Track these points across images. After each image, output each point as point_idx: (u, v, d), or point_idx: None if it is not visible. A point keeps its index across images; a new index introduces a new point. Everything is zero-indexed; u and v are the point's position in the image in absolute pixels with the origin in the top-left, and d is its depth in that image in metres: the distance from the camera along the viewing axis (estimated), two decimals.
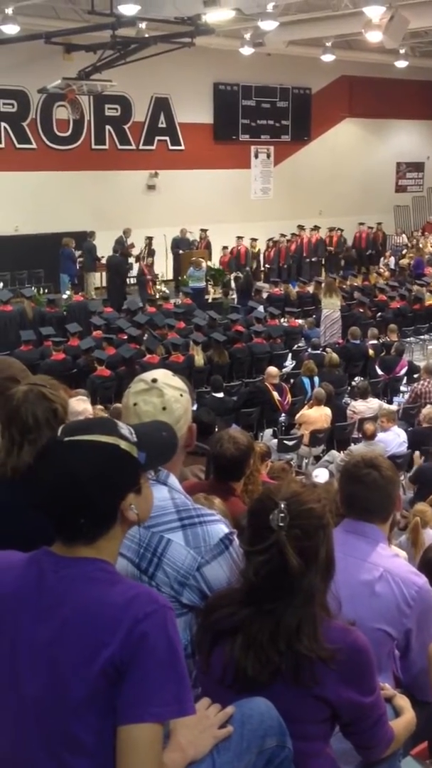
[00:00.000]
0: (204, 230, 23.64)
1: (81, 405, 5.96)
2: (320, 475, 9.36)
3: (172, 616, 1.78)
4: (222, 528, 2.36)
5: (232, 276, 22.48)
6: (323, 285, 18.79)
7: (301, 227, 25.68)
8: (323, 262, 25.80)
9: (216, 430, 6.05)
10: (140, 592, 1.79)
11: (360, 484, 2.90)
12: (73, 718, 1.72)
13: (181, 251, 22.82)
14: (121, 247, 21.09)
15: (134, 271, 21.81)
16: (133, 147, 24.28)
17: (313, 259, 25.58)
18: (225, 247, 23.82)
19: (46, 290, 19.69)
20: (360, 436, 11.07)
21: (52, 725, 1.74)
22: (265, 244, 24.97)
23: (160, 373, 2.48)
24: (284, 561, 2.10)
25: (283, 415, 12.76)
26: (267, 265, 24.78)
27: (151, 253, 22.60)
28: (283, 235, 25.05)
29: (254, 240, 24.43)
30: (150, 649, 1.72)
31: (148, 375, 2.47)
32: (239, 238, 23.94)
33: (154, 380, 2.42)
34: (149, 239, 22.28)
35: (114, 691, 1.72)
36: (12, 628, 1.80)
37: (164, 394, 2.40)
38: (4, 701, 1.80)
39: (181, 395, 2.43)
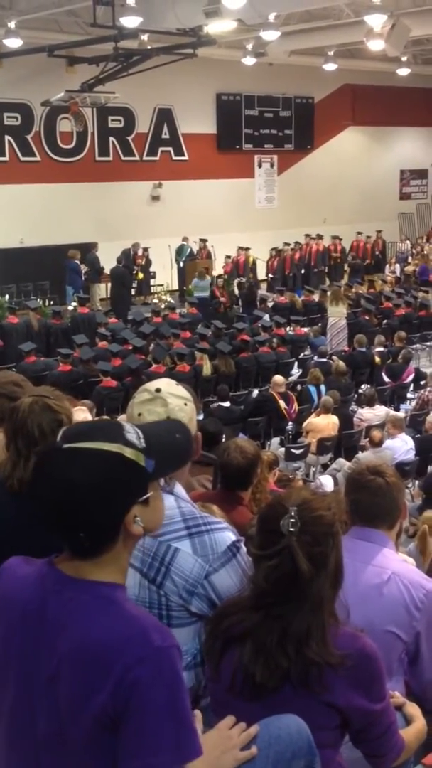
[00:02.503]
0: (204, 240, 23.61)
1: (80, 414, 5.95)
2: (325, 482, 9.35)
3: (169, 657, 1.66)
4: (229, 536, 2.36)
5: (235, 282, 22.45)
6: (329, 293, 18.79)
7: (310, 236, 25.58)
8: (326, 271, 25.76)
9: (223, 439, 6.04)
10: (135, 633, 1.66)
11: (365, 490, 2.89)
12: (72, 757, 1.67)
13: (182, 262, 22.89)
14: (126, 259, 21.14)
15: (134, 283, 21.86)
16: (137, 158, 24.33)
17: (321, 268, 25.52)
18: (228, 257, 23.77)
19: (51, 302, 19.71)
20: (367, 443, 11.05)
21: (56, 760, 1.70)
22: (268, 254, 24.90)
23: (164, 382, 2.47)
24: (294, 566, 2.10)
25: (290, 423, 12.74)
26: (270, 275, 24.70)
27: (148, 263, 22.67)
28: (287, 244, 25.02)
29: (246, 249, 23.69)
30: (143, 696, 1.62)
31: (152, 385, 2.46)
32: (241, 248, 23.76)
33: (158, 390, 2.41)
34: (145, 250, 22.32)
35: (112, 738, 1.64)
36: (19, 651, 1.75)
37: (168, 403, 2.39)
38: (19, 728, 1.75)
39: (185, 404, 2.42)
